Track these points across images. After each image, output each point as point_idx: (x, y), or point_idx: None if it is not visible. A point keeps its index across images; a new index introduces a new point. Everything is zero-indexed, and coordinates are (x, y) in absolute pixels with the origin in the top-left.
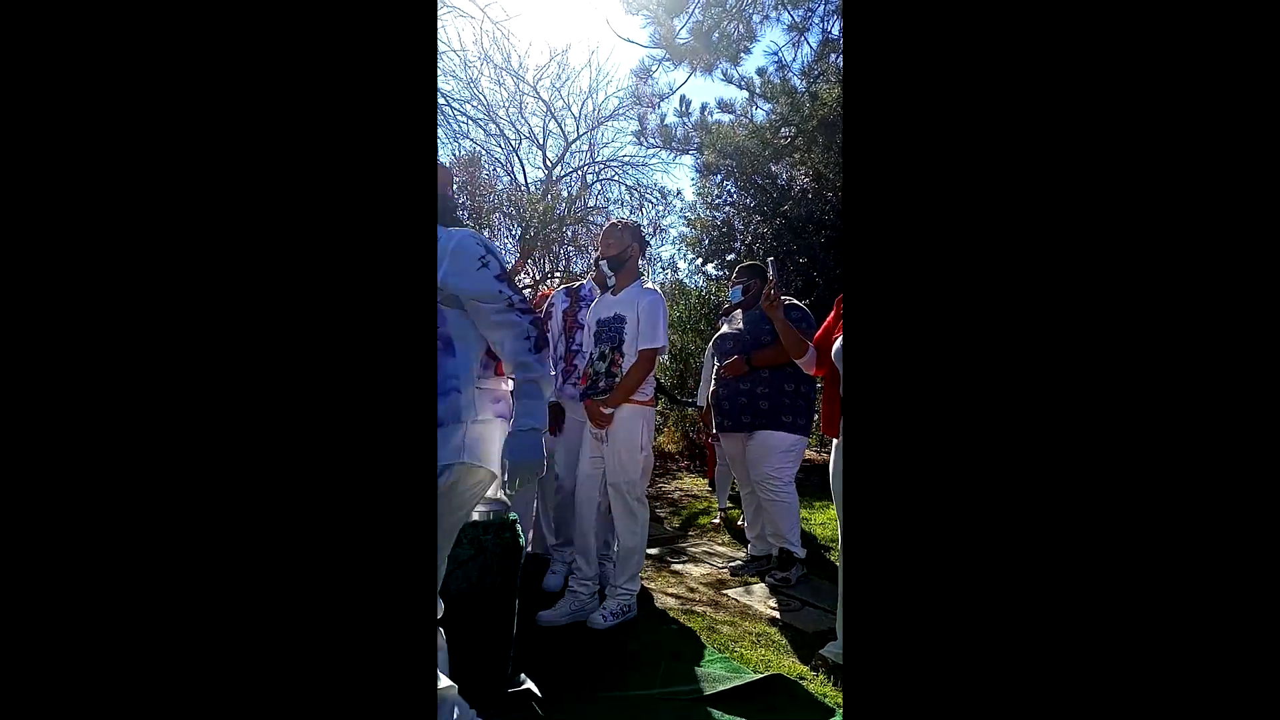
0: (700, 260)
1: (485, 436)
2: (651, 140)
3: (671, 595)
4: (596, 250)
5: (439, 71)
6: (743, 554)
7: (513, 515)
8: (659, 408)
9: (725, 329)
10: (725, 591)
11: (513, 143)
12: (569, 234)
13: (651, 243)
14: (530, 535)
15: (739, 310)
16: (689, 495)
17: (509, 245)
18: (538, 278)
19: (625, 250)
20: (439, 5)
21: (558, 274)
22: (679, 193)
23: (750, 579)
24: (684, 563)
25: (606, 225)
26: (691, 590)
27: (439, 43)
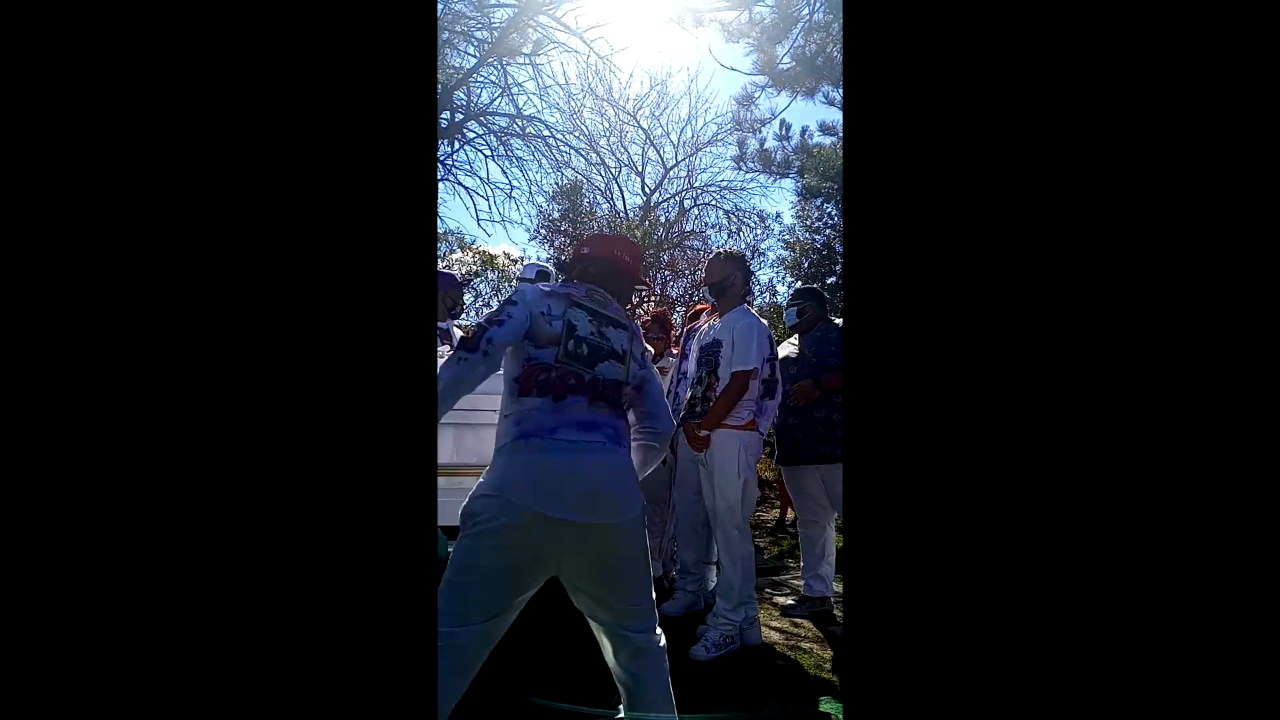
0: (799, 283)
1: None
2: (751, 165)
3: (775, 629)
4: (692, 273)
5: (545, 105)
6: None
7: None
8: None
9: (782, 352)
10: (835, 629)
11: (612, 171)
12: (665, 259)
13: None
14: (661, 560)
15: (794, 334)
16: (790, 525)
17: None
18: (635, 302)
19: (727, 278)
20: (547, 43)
21: (654, 298)
22: (778, 216)
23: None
24: (787, 595)
25: (711, 255)
26: (796, 625)
27: (545, 77)
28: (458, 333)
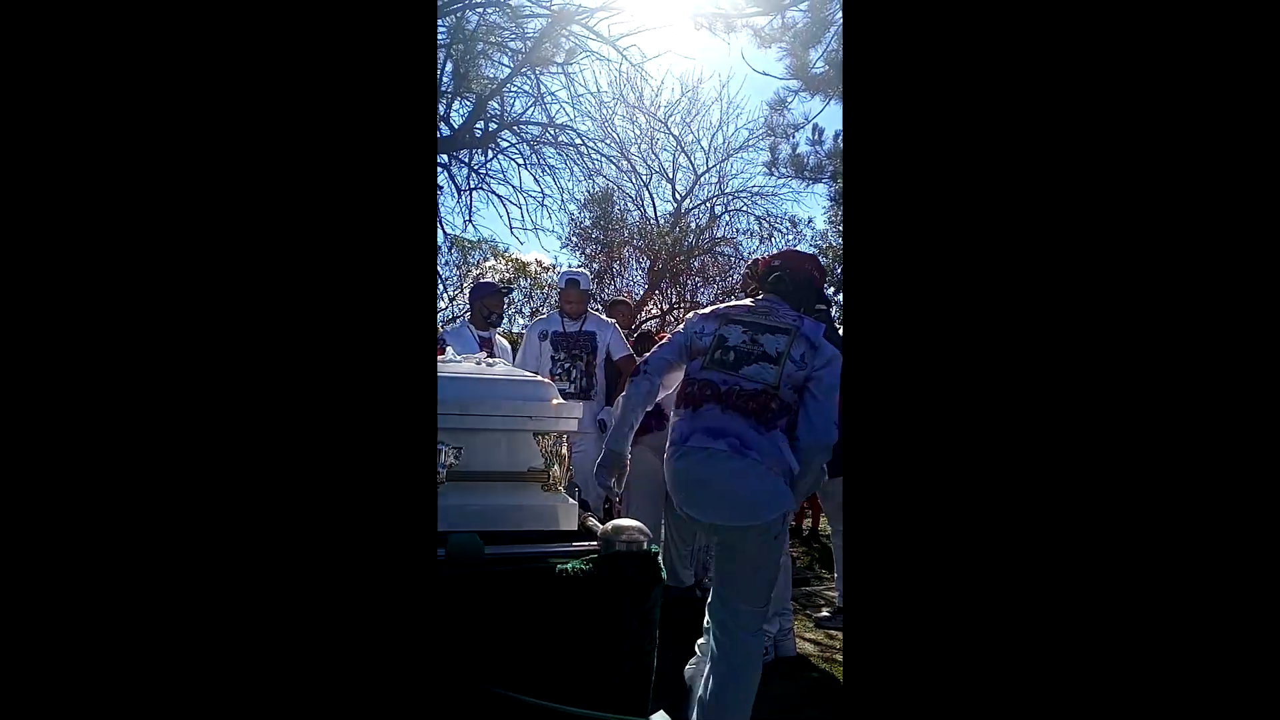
0: (832, 290)
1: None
2: (783, 170)
3: (810, 640)
4: (723, 280)
5: (577, 114)
6: None
7: (654, 548)
8: None
9: None
10: None
11: (643, 177)
12: (696, 265)
13: None
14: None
15: None
16: (821, 534)
17: (639, 278)
18: (665, 308)
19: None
20: (580, 52)
21: (684, 304)
22: (810, 221)
23: None
24: (821, 607)
25: (750, 262)
26: (831, 637)
27: (578, 85)
28: (502, 341)
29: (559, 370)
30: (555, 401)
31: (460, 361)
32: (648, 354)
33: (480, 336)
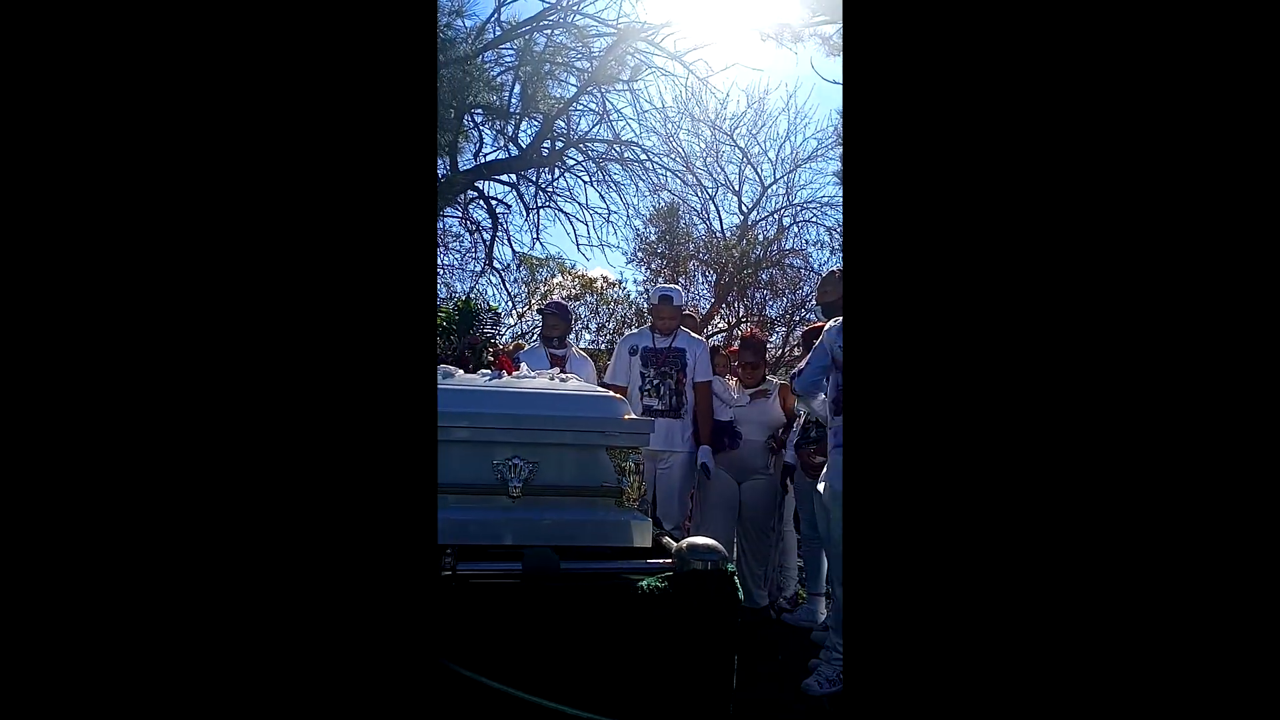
0: None
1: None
2: None
3: None
4: (792, 293)
5: (642, 129)
6: None
7: (730, 567)
8: None
9: None
10: None
11: (709, 191)
12: (765, 278)
13: None
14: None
15: None
16: None
17: (704, 291)
18: (732, 322)
19: (840, 299)
20: (645, 69)
21: (751, 318)
22: None
23: None
24: None
25: (825, 273)
26: None
27: (643, 101)
28: (578, 356)
29: (648, 386)
30: (627, 416)
31: (533, 377)
32: (796, 372)
33: (552, 354)
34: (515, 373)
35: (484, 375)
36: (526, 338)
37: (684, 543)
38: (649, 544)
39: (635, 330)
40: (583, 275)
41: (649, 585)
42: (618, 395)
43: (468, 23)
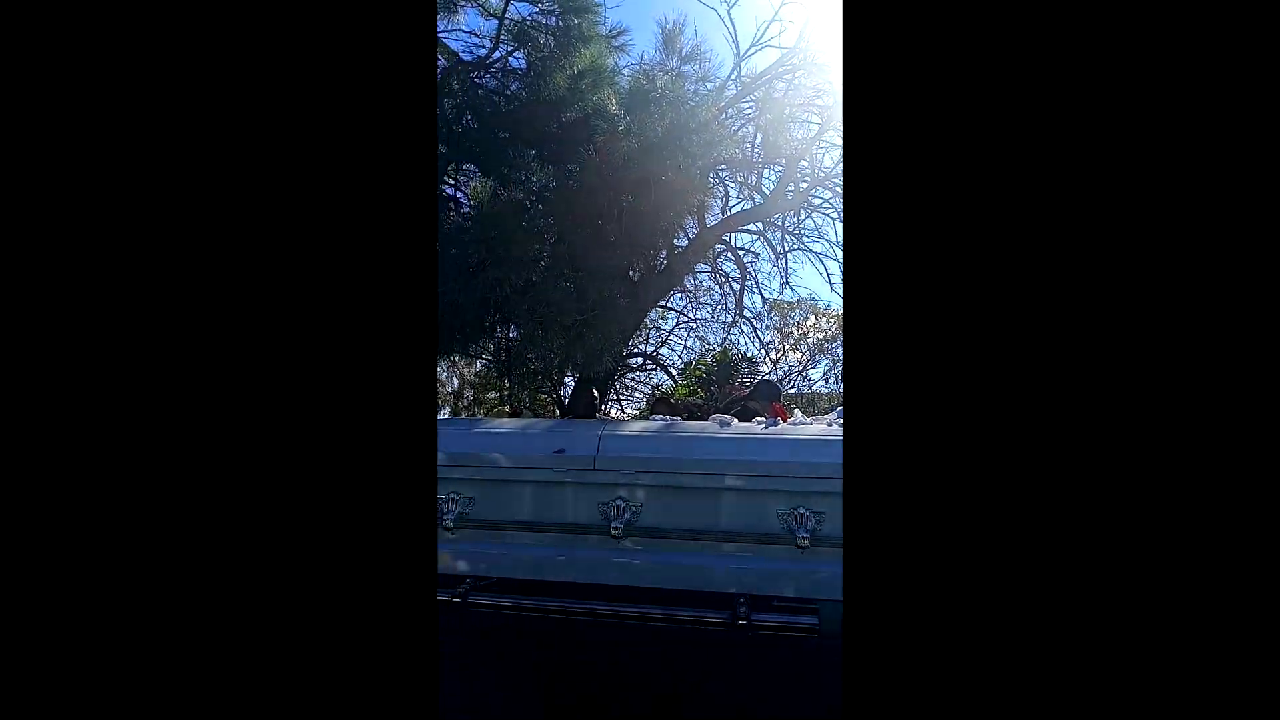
0: None
1: None
2: None
3: None
4: None
5: None
6: None
7: None
8: None
9: None
10: None
11: None
12: None
13: None
14: None
15: None
16: None
17: None
18: None
19: None
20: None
21: None
22: None
23: None
24: None
25: None
26: None
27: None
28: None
29: None
30: None
31: (809, 424)
32: None
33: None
34: (789, 419)
35: (758, 423)
36: (784, 383)
37: None
38: None
39: None
40: (837, 316)
41: None
42: None
43: (708, 86)
